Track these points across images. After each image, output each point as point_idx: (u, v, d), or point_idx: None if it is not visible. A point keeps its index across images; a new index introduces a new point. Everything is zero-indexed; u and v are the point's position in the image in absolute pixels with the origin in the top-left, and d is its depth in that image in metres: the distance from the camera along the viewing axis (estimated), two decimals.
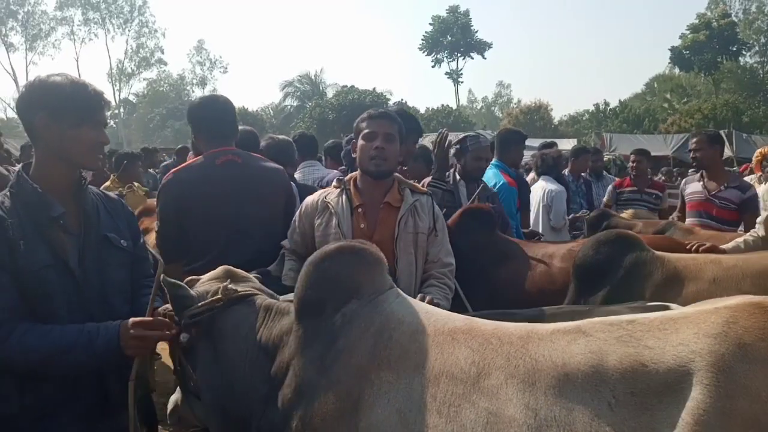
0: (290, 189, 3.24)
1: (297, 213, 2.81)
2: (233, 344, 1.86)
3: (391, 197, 2.67)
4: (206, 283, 2.00)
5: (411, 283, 2.58)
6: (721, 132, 19.98)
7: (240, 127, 3.30)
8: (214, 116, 2.99)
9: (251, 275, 2.15)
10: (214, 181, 2.86)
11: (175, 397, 2.11)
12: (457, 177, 4.09)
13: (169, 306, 1.95)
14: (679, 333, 1.31)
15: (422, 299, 2.17)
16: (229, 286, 1.91)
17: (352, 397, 1.56)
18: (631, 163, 6.51)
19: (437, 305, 2.10)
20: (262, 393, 1.76)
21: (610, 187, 6.51)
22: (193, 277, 2.09)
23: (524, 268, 3.26)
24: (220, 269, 2.08)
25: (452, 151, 4.11)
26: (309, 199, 2.80)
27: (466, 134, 4.33)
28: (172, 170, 3.04)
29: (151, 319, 1.90)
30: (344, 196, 2.68)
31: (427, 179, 3.96)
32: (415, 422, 1.46)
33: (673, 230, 4.23)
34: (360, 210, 2.65)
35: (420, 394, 1.49)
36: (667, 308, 1.88)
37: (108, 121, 2.16)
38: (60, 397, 1.93)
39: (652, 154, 8.50)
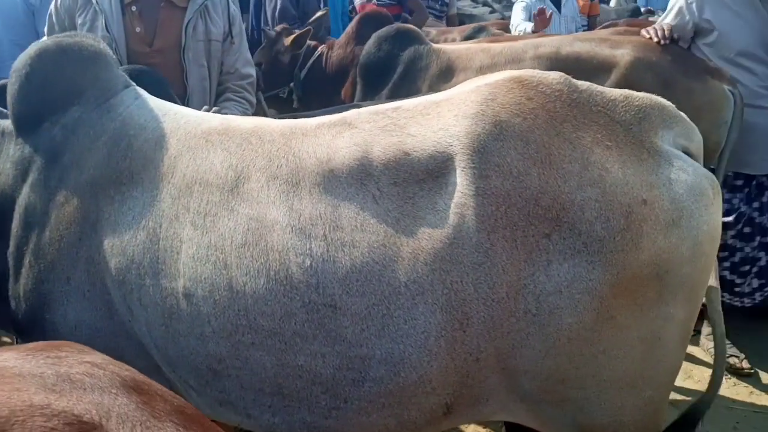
0: None
1: (53, 4, 2.22)
2: None
3: None
4: None
5: (205, 101, 2.24)
6: None
7: None
8: None
9: None
10: None
11: None
12: None
13: None
14: (441, 117, 1.25)
15: None
16: None
17: (89, 219, 1.35)
18: None
19: None
20: None
21: None
22: None
23: None
24: None
25: None
26: None
27: None
28: None
29: None
30: None
31: None
32: (167, 238, 1.30)
33: (486, 34, 4.19)
34: (134, 8, 2.14)
35: (170, 206, 1.32)
36: None
37: None
38: None
39: None
